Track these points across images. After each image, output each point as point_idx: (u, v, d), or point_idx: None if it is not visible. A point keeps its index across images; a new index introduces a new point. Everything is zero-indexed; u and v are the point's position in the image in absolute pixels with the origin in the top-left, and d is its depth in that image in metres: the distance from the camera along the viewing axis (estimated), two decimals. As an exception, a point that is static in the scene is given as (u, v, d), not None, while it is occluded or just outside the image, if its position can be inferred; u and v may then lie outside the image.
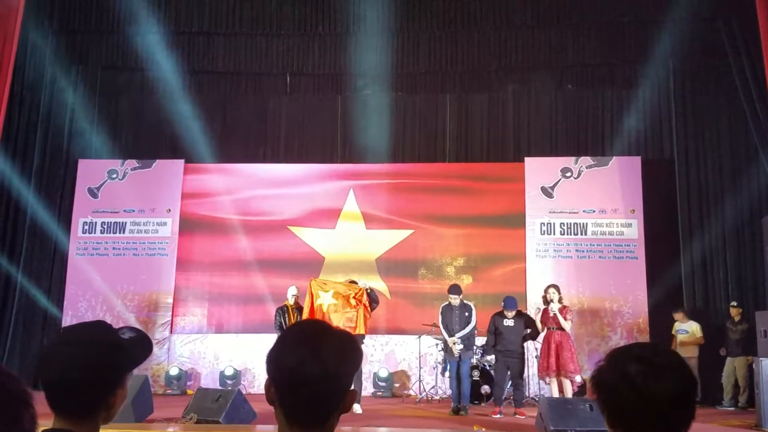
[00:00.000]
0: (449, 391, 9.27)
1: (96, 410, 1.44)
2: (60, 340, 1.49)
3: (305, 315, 8.21)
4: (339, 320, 8.01)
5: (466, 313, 8.25)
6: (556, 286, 8.38)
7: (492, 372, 8.77)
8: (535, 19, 10.03)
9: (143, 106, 11.47)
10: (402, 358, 10.38)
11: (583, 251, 10.34)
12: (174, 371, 10.14)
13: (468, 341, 8.24)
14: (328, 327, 1.38)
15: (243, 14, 10.33)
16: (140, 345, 1.56)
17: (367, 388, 9.97)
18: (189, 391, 9.72)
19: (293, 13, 10.29)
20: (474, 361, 8.98)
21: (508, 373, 8.25)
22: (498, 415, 7.97)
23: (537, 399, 8.71)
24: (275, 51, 10.95)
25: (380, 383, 10.05)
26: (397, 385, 10.20)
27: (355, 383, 8.01)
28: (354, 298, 8.26)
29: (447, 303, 8.41)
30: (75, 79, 11.23)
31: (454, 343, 8.12)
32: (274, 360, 1.32)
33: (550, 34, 10.37)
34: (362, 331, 8.13)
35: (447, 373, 8.94)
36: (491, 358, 8.66)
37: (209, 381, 10.27)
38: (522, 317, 8.34)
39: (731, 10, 9.35)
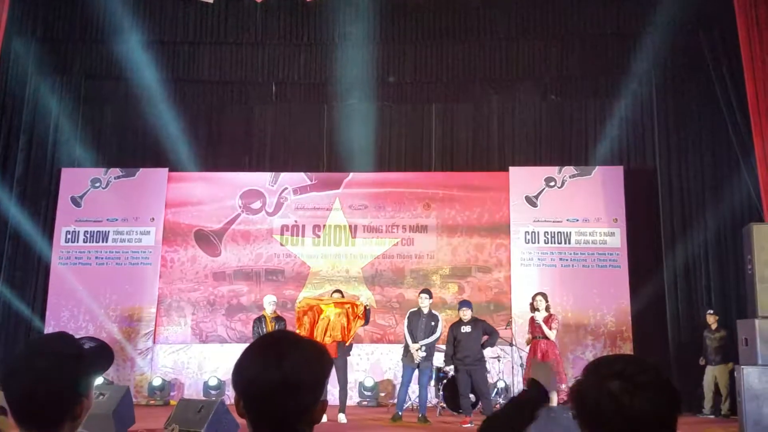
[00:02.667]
0: (435, 400, 9.27)
1: (62, 421, 1.46)
2: (24, 353, 1.50)
3: (305, 331, 8.10)
4: (337, 325, 8.04)
5: (433, 323, 8.27)
6: (543, 295, 8.35)
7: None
8: (519, 31, 10.13)
9: (127, 115, 11.41)
10: (387, 367, 10.37)
11: (567, 260, 10.40)
12: (157, 381, 10.05)
13: (429, 351, 8.23)
14: (296, 338, 1.38)
15: (228, 23, 10.34)
16: (101, 354, 1.59)
17: (353, 398, 9.93)
18: (172, 402, 9.63)
19: (278, 22, 10.31)
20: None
21: (470, 381, 8.14)
22: (469, 425, 7.93)
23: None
24: (261, 60, 10.95)
25: (365, 392, 10.03)
26: (382, 394, 10.17)
27: (340, 393, 8.02)
28: (353, 311, 8.23)
29: (415, 309, 8.44)
30: (58, 87, 11.16)
31: (417, 350, 8.12)
32: (237, 369, 1.33)
33: (534, 45, 10.46)
34: (346, 339, 8.17)
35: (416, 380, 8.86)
36: (450, 369, 8.60)
37: (193, 391, 10.18)
38: (479, 324, 8.30)
39: (712, 22, 9.49)
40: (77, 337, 1.58)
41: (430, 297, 8.49)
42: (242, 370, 1.32)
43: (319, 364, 1.34)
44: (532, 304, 8.29)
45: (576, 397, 1.38)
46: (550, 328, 8.01)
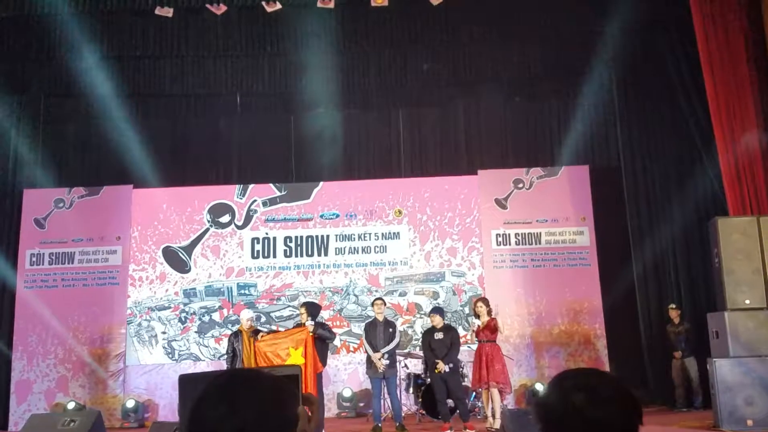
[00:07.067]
0: (414, 407, 9.25)
1: None
2: None
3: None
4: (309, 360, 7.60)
5: (390, 329, 8.33)
6: (485, 300, 8.54)
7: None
8: (479, 34, 10.16)
9: (90, 132, 11.20)
10: (365, 376, 10.26)
11: (538, 260, 10.47)
12: (130, 403, 9.83)
13: (392, 358, 8.27)
14: (253, 378, 1.27)
15: (189, 36, 10.20)
16: None
17: (332, 409, 9.87)
18: (147, 423, 9.44)
19: (240, 34, 10.20)
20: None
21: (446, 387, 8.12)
22: (448, 431, 7.94)
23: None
24: (224, 72, 10.84)
25: (344, 404, 9.95)
26: (361, 404, 10.10)
27: (319, 408, 7.80)
28: (305, 342, 7.65)
29: (371, 320, 8.51)
30: (18, 108, 10.93)
31: (379, 359, 8.10)
32: (191, 422, 1.21)
33: (495, 48, 10.52)
34: (319, 369, 7.76)
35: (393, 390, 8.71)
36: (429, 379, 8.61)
37: (168, 412, 9.99)
38: (451, 331, 8.36)
39: (670, 20, 9.65)
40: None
41: (385, 304, 8.61)
42: (196, 423, 1.20)
43: (280, 404, 1.24)
44: (474, 310, 8.41)
45: (541, 411, 1.40)
46: (493, 331, 8.15)
